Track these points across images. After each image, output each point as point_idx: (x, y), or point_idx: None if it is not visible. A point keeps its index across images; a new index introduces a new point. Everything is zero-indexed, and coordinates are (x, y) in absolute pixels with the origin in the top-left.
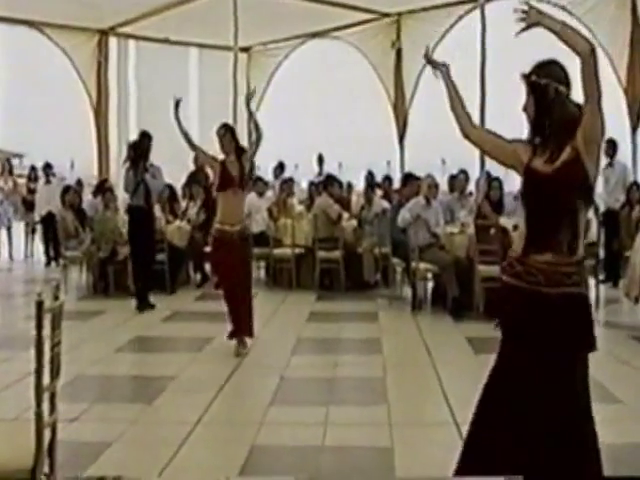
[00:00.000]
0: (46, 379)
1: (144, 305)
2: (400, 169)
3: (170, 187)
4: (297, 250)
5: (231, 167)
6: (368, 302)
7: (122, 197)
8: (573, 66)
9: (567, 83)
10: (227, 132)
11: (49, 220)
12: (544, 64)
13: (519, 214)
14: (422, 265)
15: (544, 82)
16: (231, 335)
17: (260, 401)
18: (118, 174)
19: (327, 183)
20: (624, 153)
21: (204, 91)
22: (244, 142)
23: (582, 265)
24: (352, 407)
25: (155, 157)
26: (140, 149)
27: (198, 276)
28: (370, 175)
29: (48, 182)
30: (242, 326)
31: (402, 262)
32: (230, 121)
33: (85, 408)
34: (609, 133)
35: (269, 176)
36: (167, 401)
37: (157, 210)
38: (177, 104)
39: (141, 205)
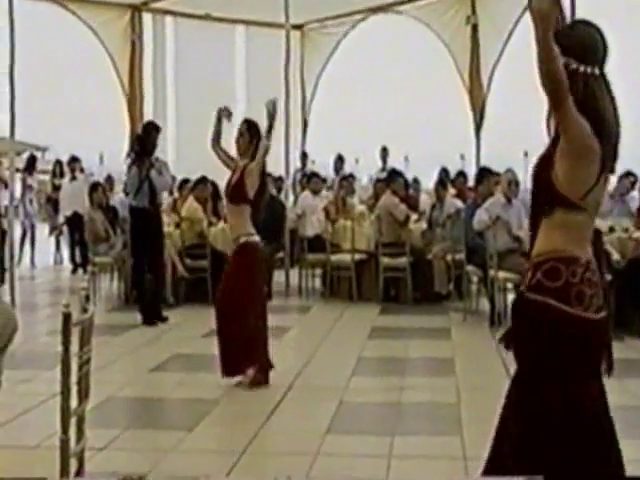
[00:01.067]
0: (73, 402)
1: (150, 319)
2: (476, 163)
3: (213, 185)
4: (358, 256)
5: (234, 174)
6: (439, 316)
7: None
8: None
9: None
10: (247, 131)
11: (75, 221)
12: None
13: (616, 214)
14: (502, 274)
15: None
16: (226, 373)
17: (315, 429)
18: None
19: (390, 179)
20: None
21: (252, 75)
22: (296, 135)
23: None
24: (420, 437)
25: (198, 151)
26: (146, 142)
27: None
28: (444, 172)
29: (74, 178)
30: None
31: (478, 270)
32: (282, 111)
33: (116, 435)
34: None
35: (326, 171)
36: (209, 428)
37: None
38: (219, 117)
39: (145, 206)
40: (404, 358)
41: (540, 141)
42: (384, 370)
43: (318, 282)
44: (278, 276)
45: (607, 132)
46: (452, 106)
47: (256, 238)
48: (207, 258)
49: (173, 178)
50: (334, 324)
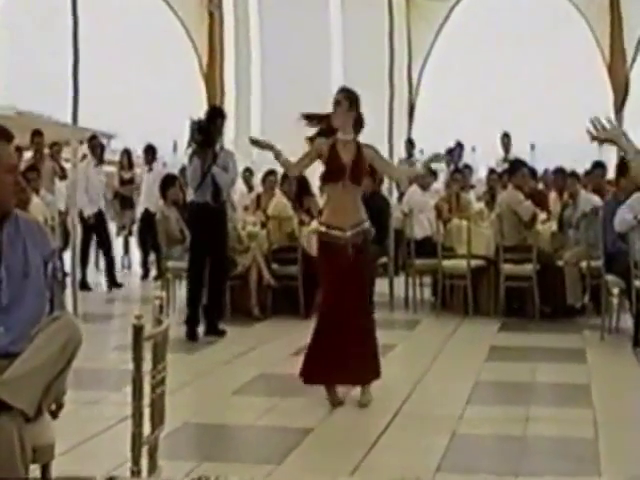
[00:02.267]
0: (146, 428)
1: (212, 332)
2: (617, 153)
3: (300, 177)
4: (474, 262)
5: (342, 150)
6: (572, 335)
7: (240, 191)
8: None
9: None
10: (345, 99)
11: (147, 220)
12: None
13: None
14: None
15: None
16: (306, 377)
17: (424, 465)
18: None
19: (513, 171)
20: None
21: (350, 48)
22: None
23: None
24: (551, 479)
25: (285, 138)
26: (210, 130)
27: None
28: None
29: (150, 170)
30: (319, 369)
31: (620, 280)
32: (385, 88)
33: (192, 467)
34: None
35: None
36: (300, 460)
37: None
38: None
39: (207, 202)
40: (529, 384)
41: None
42: (505, 398)
43: (428, 292)
44: (381, 285)
45: None
46: (589, 84)
47: None
48: (298, 263)
49: (249, 171)
50: (446, 342)
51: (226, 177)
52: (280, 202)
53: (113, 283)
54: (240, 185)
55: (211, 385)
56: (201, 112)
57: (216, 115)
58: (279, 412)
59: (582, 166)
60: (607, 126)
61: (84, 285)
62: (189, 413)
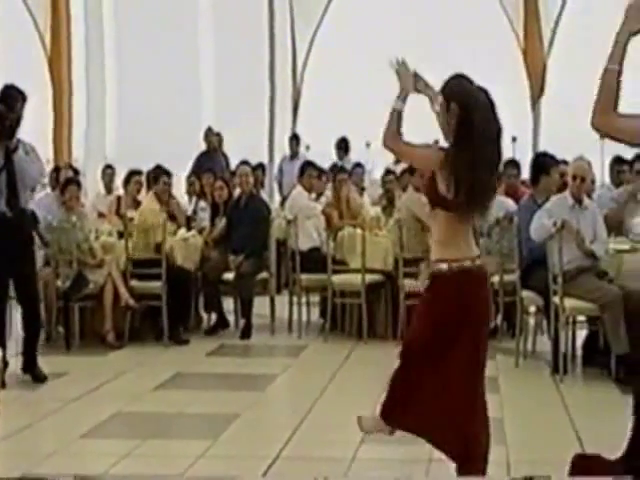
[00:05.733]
0: None
1: (29, 369)
2: (533, 148)
3: (165, 172)
4: (370, 277)
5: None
6: None
7: (94, 191)
8: None
9: None
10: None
11: None
12: None
13: None
14: (570, 302)
15: None
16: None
17: None
18: (87, 155)
19: (413, 170)
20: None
21: (222, 25)
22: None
23: None
24: None
25: (145, 129)
26: (5, 117)
27: (212, 317)
28: None
29: None
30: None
31: (538, 297)
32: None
33: None
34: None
35: (328, 160)
36: None
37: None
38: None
39: (2, 212)
40: None
41: None
42: (405, 435)
43: (315, 313)
44: (261, 304)
45: None
46: (501, 73)
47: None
48: (162, 279)
49: (111, 168)
50: (337, 371)
51: (28, 174)
52: (150, 207)
53: None
54: (98, 186)
55: (56, 428)
56: (47, 101)
57: (13, 96)
58: (139, 458)
59: None
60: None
61: None
62: (28, 463)
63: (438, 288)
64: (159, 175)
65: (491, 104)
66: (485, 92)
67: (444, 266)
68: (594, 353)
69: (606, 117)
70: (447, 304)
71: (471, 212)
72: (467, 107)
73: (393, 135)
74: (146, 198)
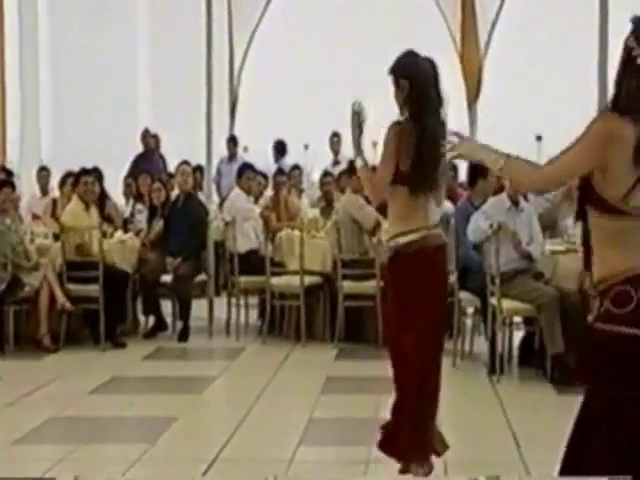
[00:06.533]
0: None
1: None
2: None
3: (89, 172)
4: (309, 279)
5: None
6: None
7: (29, 194)
8: None
9: None
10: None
11: None
12: None
13: None
14: (506, 303)
15: None
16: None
17: None
18: (22, 157)
19: (351, 172)
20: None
21: (159, 25)
22: (222, 117)
23: None
24: None
25: (81, 131)
26: None
27: (150, 320)
28: None
29: None
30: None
31: (475, 298)
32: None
33: None
34: None
35: (265, 163)
36: None
37: None
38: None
39: None
40: (372, 420)
41: (557, 120)
42: (344, 437)
43: (254, 315)
44: (199, 307)
45: None
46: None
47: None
48: (99, 282)
49: (46, 170)
50: (275, 373)
51: None
52: (75, 209)
53: None
54: (33, 188)
55: None
56: None
57: None
58: (74, 463)
59: None
60: (455, 140)
61: None
62: None
63: (397, 268)
64: (80, 176)
65: (435, 75)
66: (431, 62)
67: (402, 240)
68: (530, 354)
69: (531, 178)
70: (406, 283)
71: (422, 184)
72: (414, 81)
73: (379, 189)
74: (72, 200)
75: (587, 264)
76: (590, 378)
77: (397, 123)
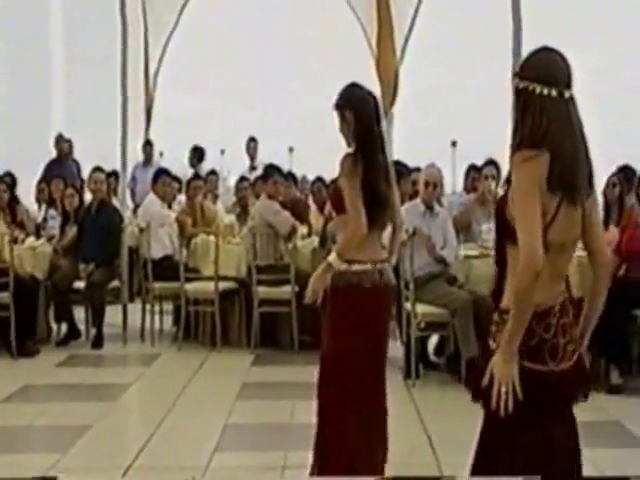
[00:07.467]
0: None
1: None
2: None
3: (11, 176)
4: (223, 285)
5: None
6: None
7: None
8: None
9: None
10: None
11: None
12: None
13: None
14: (421, 308)
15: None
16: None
17: None
18: None
19: (266, 177)
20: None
21: (73, 30)
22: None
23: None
24: None
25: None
26: None
27: (63, 327)
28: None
29: None
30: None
31: None
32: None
33: None
34: None
35: (180, 168)
36: None
37: None
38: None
39: None
40: (287, 425)
41: (472, 126)
42: (260, 442)
43: (168, 321)
44: (113, 313)
45: (563, 159)
46: (353, 79)
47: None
48: (9, 289)
49: None
50: (190, 379)
51: None
52: None
53: None
54: None
55: None
56: None
57: None
58: None
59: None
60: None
61: None
62: None
63: (337, 300)
64: None
65: (376, 110)
66: (374, 98)
67: (343, 267)
68: (445, 358)
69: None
70: (346, 318)
71: (378, 221)
72: (358, 114)
73: (360, 227)
74: None
75: (498, 286)
76: (485, 401)
77: (351, 155)
